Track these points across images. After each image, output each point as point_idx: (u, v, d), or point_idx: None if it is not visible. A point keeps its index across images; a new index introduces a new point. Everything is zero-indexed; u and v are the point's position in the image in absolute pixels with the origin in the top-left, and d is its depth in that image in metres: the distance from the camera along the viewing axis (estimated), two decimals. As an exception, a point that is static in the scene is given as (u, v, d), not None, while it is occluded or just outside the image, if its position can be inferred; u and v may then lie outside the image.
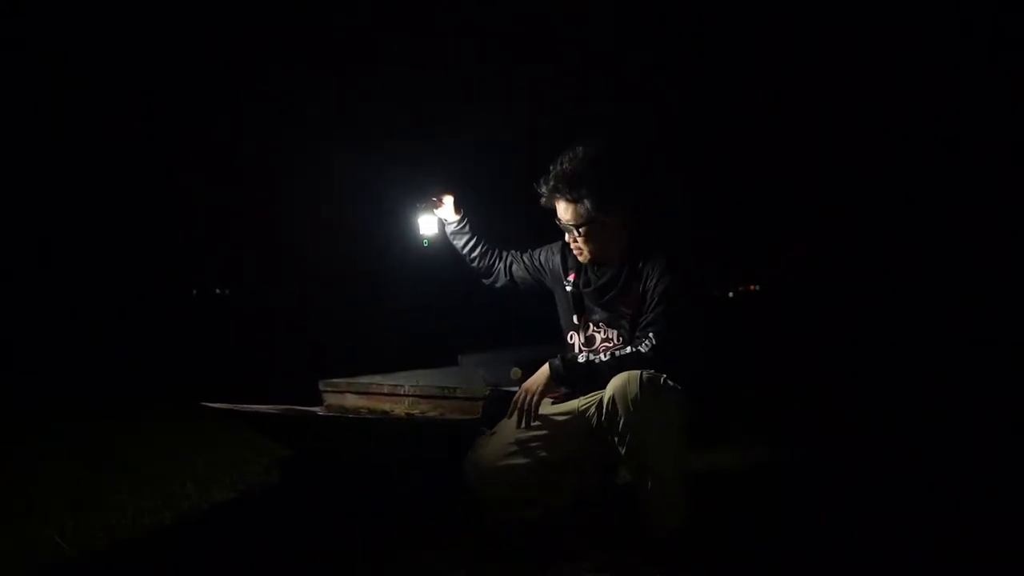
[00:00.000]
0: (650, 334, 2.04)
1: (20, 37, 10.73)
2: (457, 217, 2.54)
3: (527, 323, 3.21)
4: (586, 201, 2.11)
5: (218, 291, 17.89)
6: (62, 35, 11.25)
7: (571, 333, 2.32)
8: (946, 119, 11.77)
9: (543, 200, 2.20)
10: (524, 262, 2.48)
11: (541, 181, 2.19)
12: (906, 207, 13.06)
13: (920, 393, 4.84)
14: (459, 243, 2.57)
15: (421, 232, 2.58)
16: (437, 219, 2.57)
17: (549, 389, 2.12)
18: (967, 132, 11.59)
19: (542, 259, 2.44)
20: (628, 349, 2.05)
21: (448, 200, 2.53)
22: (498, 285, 2.56)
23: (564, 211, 2.17)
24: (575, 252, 2.25)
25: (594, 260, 2.23)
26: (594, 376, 2.04)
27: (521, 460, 2.08)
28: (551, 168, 2.17)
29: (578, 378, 2.09)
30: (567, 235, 2.23)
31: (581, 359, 2.08)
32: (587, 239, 2.17)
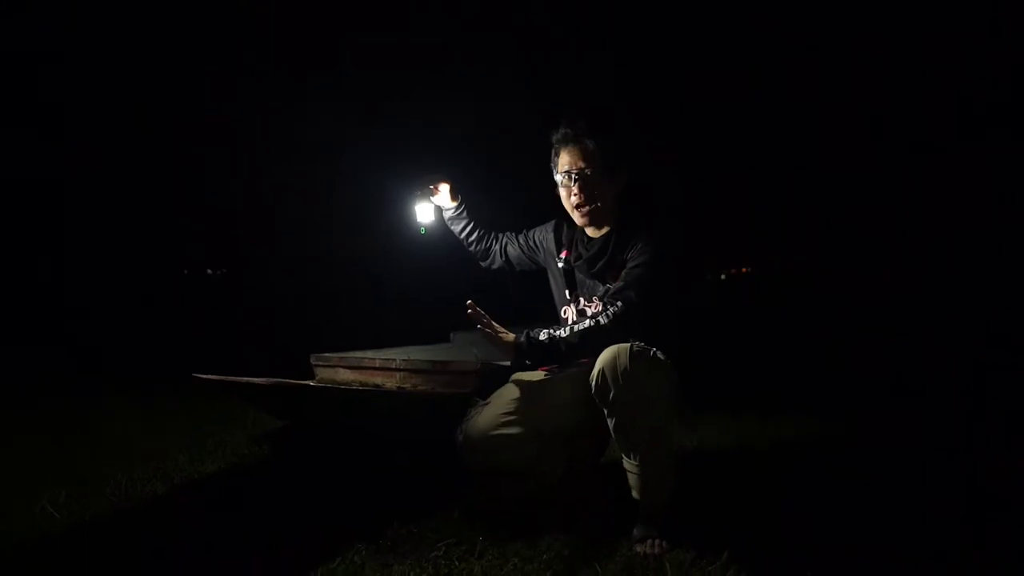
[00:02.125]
0: (618, 303, 2.04)
1: (15, 25, 10.62)
2: (454, 204, 2.60)
3: (520, 306, 3.23)
4: (590, 144, 2.17)
5: (209, 271, 17.78)
6: (58, 23, 11.12)
7: (564, 308, 2.35)
8: (946, 118, 11.77)
9: (553, 147, 2.25)
10: (519, 242, 2.53)
11: (552, 131, 2.25)
12: (902, 197, 13.09)
13: (919, 387, 4.83)
14: (457, 228, 2.64)
15: (418, 220, 2.61)
16: (434, 206, 2.62)
17: (505, 352, 2.09)
18: (967, 130, 11.57)
19: (537, 238, 2.48)
20: (588, 322, 2.04)
21: (444, 188, 2.58)
22: (495, 267, 2.62)
23: (569, 157, 2.20)
24: (569, 203, 2.24)
25: (586, 214, 2.23)
26: (555, 350, 2.04)
27: (513, 431, 2.09)
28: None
29: (541, 354, 2.06)
30: (562, 189, 2.24)
31: (543, 336, 2.05)
32: (584, 185, 2.18)
